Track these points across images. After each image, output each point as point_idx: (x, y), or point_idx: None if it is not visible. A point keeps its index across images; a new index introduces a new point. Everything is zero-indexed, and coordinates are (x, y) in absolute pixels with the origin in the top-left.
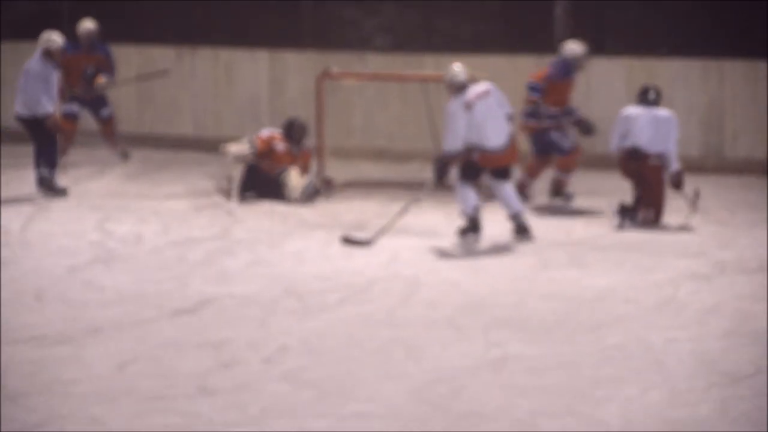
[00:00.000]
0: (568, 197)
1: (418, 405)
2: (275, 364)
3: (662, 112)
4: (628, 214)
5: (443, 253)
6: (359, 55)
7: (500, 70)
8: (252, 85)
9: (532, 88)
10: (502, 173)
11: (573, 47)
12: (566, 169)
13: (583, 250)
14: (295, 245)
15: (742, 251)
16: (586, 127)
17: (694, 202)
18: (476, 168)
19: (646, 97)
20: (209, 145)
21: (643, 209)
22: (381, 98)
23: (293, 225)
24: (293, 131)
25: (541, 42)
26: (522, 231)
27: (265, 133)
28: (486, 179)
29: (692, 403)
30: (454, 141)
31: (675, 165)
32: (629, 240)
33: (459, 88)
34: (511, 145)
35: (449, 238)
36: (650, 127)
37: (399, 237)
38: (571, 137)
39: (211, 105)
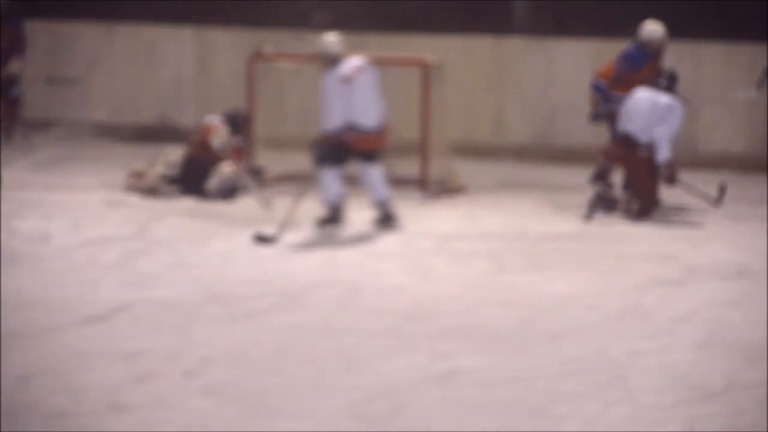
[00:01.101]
0: (608, 185)
1: (355, 423)
2: (196, 377)
3: (663, 98)
4: (602, 204)
5: (387, 255)
6: (295, 33)
7: (454, 51)
8: (175, 66)
9: (597, 88)
10: (372, 156)
11: (650, 29)
12: (609, 157)
13: (542, 252)
14: (221, 245)
15: (717, 255)
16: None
17: (719, 198)
18: (345, 150)
19: (657, 81)
20: (126, 133)
21: (627, 201)
22: (319, 82)
23: (219, 223)
24: (238, 122)
25: (499, 21)
26: (387, 220)
27: (211, 121)
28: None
29: (658, 421)
30: (333, 119)
31: (663, 154)
32: (593, 241)
33: (333, 60)
34: (384, 128)
35: (393, 237)
36: (648, 113)
37: (338, 236)
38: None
39: (129, 88)
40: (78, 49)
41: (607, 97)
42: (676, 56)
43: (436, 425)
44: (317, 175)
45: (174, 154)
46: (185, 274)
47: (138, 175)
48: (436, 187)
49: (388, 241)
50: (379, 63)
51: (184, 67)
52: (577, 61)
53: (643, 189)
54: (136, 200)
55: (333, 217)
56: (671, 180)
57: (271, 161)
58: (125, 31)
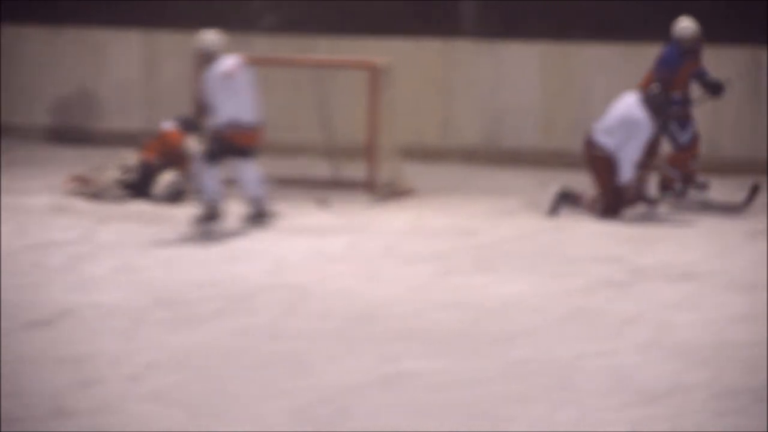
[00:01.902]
0: (678, 194)
1: (301, 426)
2: (142, 382)
3: (637, 112)
4: (566, 201)
5: (334, 258)
6: (243, 36)
7: (402, 54)
8: (123, 69)
9: (654, 100)
10: (249, 153)
11: (685, 26)
12: (675, 164)
13: (490, 255)
14: (167, 249)
15: (663, 256)
16: (715, 89)
17: (749, 198)
18: (225, 146)
19: (649, 96)
20: (73, 137)
21: (589, 200)
22: (267, 85)
23: (165, 227)
24: (192, 128)
25: (447, 24)
26: (260, 217)
27: (167, 127)
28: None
29: (604, 423)
30: (220, 115)
31: (625, 175)
32: (539, 243)
33: (212, 57)
34: (260, 126)
35: (341, 240)
36: (617, 120)
37: (285, 239)
38: (689, 132)
39: (76, 91)
40: (24, 53)
41: (667, 101)
42: (623, 57)
43: (383, 428)
44: (199, 172)
45: (131, 159)
46: (131, 278)
47: (78, 179)
48: (384, 190)
49: (335, 244)
50: (328, 66)
51: (132, 70)
52: (525, 63)
53: (604, 188)
54: (82, 204)
55: (211, 215)
56: (632, 202)
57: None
58: (72, 33)
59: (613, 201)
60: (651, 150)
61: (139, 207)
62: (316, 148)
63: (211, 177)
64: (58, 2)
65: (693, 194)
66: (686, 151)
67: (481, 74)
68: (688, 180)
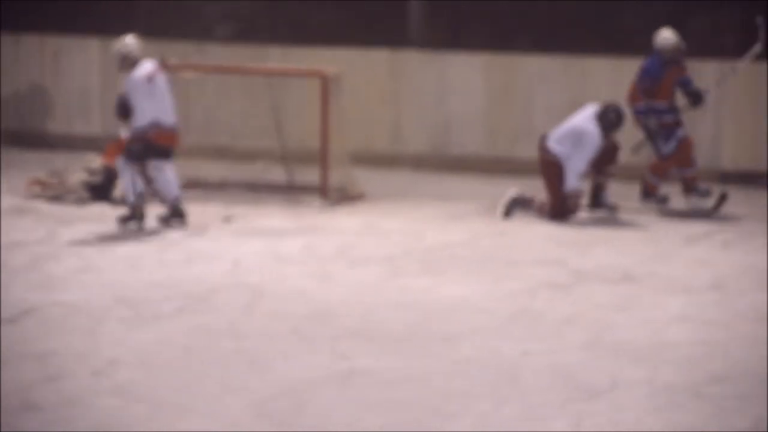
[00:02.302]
0: (661, 200)
1: (259, 420)
2: (105, 377)
3: (588, 124)
4: (519, 204)
5: (289, 260)
6: (199, 45)
7: (352, 63)
8: (82, 76)
9: (639, 112)
10: (169, 154)
11: (666, 36)
12: (656, 173)
13: (437, 258)
14: (128, 250)
15: (603, 260)
16: (696, 98)
17: (717, 205)
18: (147, 147)
19: (602, 111)
20: (33, 141)
21: (539, 204)
22: (222, 92)
23: (126, 228)
24: None
25: (396, 34)
26: (176, 217)
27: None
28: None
29: (546, 418)
30: (144, 117)
31: (569, 184)
32: (485, 247)
33: (134, 62)
34: (178, 128)
35: (295, 242)
36: (568, 127)
37: (242, 242)
38: (673, 142)
39: (36, 97)
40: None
41: (650, 111)
42: (565, 68)
43: (336, 422)
44: (121, 173)
45: (95, 162)
46: (93, 278)
47: (39, 183)
48: (335, 195)
49: (289, 246)
50: (281, 74)
51: (91, 77)
52: (469, 73)
53: (553, 193)
54: (44, 206)
55: (134, 215)
56: (573, 210)
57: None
58: (31, 41)
59: (560, 206)
60: (609, 159)
61: (100, 209)
62: (271, 152)
63: (132, 177)
64: (19, 10)
65: (694, 201)
66: (668, 160)
67: (428, 83)
68: (689, 188)
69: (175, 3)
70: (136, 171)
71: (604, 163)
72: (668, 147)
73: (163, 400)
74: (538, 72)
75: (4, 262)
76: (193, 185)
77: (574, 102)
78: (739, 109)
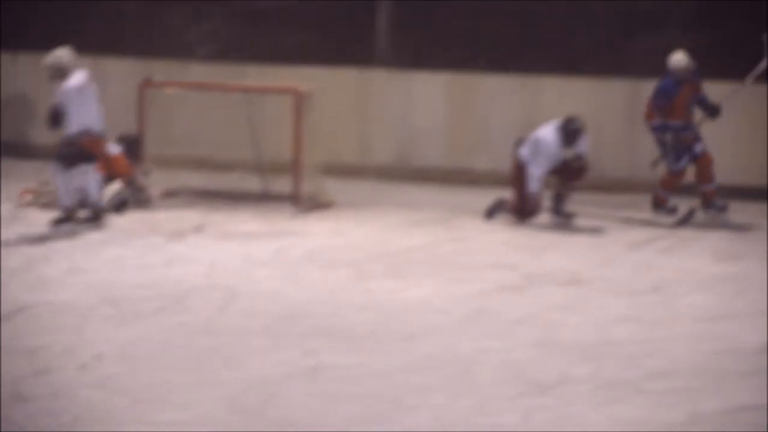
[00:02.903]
0: (670, 211)
1: (232, 412)
2: (90, 371)
3: (549, 134)
4: (498, 207)
5: (262, 263)
6: (182, 63)
7: (323, 81)
8: None
9: (654, 129)
10: (95, 159)
11: (678, 58)
12: (665, 187)
13: (399, 262)
14: (113, 253)
15: (553, 264)
16: (713, 111)
17: (686, 218)
18: (79, 153)
19: (564, 122)
20: (29, 152)
21: (510, 204)
22: (203, 107)
23: (112, 233)
24: (133, 146)
25: (364, 55)
26: (96, 218)
27: (115, 151)
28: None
29: (498, 411)
30: (76, 124)
31: (529, 187)
32: (443, 252)
33: (66, 72)
34: (103, 134)
35: (268, 247)
36: (533, 135)
37: (218, 245)
38: (683, 161)
39: (33, 112)
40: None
41: (665, 129)
42: (520, 86)
43: (303, 414)
44: (56, 178)
45: None
46: (80, 279)
47: (32, 192)
48: (307, 203)
49: (262, 250)
50: (257, 91)
51: None
52: (432, 90)
53: (516, 192)
54: (35, 213)
55: (67, 217)
56: (532, 211)
57: (159, 179)
58: (28, 59)
59: (521, 206)
60: (576, 175)
61: (84, 215)
62: (248, 164)
63: (65, 182)
64: (17, 31)
65: (712, 215)
66: (677, 176)
67: (393, 100)
68: (708, 202)
69: (160, 24)
70: (68, 175)
71: (570, 177)
72: (678, 165)
73: (143, 392)
74: (494, 90)
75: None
76: (174, 194)
77: (527, 118)
78: None
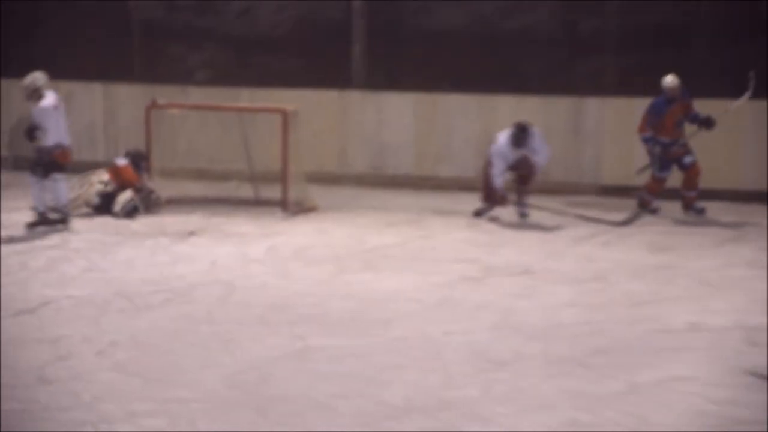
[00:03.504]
0: (652, 211)
1: (231, 390)
2: (107, 356)
3: (501, 139)
4: (483, 208)
5: (255, 260)
6: (183, 88)
7: (305, 102)
8: (88, 113)
9: (645, 140)
10: (65, 169)
11: (669, 80)
12: (650, 191)
13: (375, 258)
14: (126, 253)
15: (508, 258)
16: (708, 123)
17: (631, 219)
18: (53, 164)
19: (513, 128)
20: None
21: (481, 194)
22: (202, 126)
23: (125, 236)
24: (140, 159)
25: (342, 79)
26: (63, 221)
27: (122, 162)
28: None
29: (463, 385)
30: (51, 139)
31: (490, 180)
32: (413, 248)
33: (41, 92)
34: (70, 147)
35: (261, 246)
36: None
37: (217, 245)
38: (667, 170)
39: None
40: (11, 101)
41: (655, 142)
42: (478, 104)
43: (294, 390)
44: (32, 186)
45: (103, 176)
46: (97, 276)
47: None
48: (294, 207)
49: (256, 249)
50: (249, 111)
51: (95, 114)
52: (402, 109)
53: (484, 183)
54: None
55: (42, 221)
56: (495, 202)
57: (164, 188)
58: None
59: (487, 195)
60: (525, 179)
61: (103, 221)
62: (241, 174)
63: (40, 189)
64: (37, 60)
65: (692, 215)
66: (661, 182)
67: (368, 118)
68: (688, 206)
69: (164, 54)
70: (41, 184)
71: (520, 181)
72: (663, 173)
73: (153, 374)
74: (456, 108)
75: (26, 263)
76: (178, 201)
77: (484, 132)
78: (615, 136)
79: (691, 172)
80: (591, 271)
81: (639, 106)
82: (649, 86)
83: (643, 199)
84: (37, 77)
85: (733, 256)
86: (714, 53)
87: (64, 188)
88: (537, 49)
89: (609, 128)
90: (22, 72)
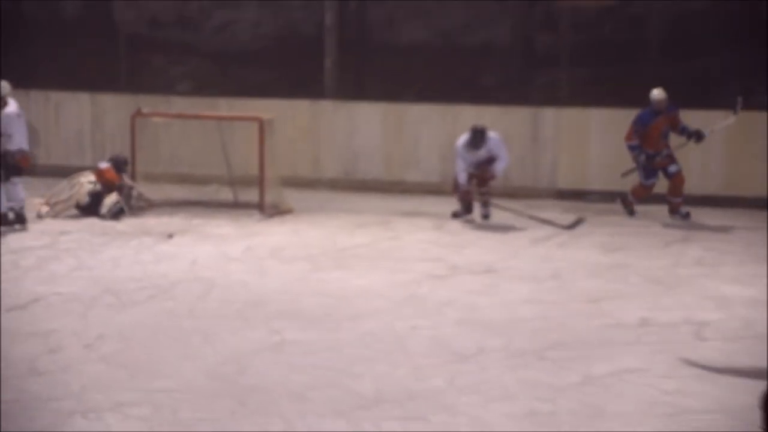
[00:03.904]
0: (631, 213)
1: (211, 381)
2: (94, 349)
3: (460, 141)
4: (459, 210)
5: (234, 259)
6: (166, 97)
7: (280, 111)
8: (76, 121)
9: (631, 148)
10: (23, 172)
11: (656, 93)
12: (635, 195)
13: (347, 257)
14: (112, 253)
15: (472, 257)
16: (698, 136)
17: (574, 224)
18: (15, 167)
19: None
20: (38, 171)
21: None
22: (184, 133)
23: (111, 236)
24: (120, 164)
25: (315, 89)
26: (20, 221)
27: (104, 165)
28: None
29: (429, 376)
30: (15, 144)
31: (456, 177)
32: (382, 248)
33: (4, 100)
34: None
35: (239, 246)
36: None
37: (198, 245)
38: (653, 178)
39: (42, 138)
40: None
41: (641, 151)
42: (442, 114)
43: (270, 381)
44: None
45: (90, 176)
46: (85, 274)
47: (47, 203)
48: (270, 210)
49: (235, 248)
50: (228, 119)
51: (83, 123)
52: (371, 118)
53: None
54: (47, 220)
55: (1, 222)
56: (463, 197)
57: (148, 192)
58: (38, 95)
59: (456, 191)
60: (482, 182)
61: (90, 222)
62: (221, 179)
63: (4, 192)
64: (28, 72)
65: (677, 219)
66: (646, 189)
67: (340, 126)
68: (674, 210)
69: (148, 66)
70: (5, 186)
71: (479, 183)
72: (648, 181)
73: (138, 365)
74: (421, 117)
75: (17, 262)
76: (160, 204)
77: (448, 139)
78: (570, 144)
79: (676, 180)
80: (549, 270)
81: (592, 116)
82: (601, 97)
83: (626, 200)
84: (3, 86)
85: (681, 255)
86: (661, 67)
87: (21, 191)
88: (496, 63)
89: (564, 136)
90: (16, 83)
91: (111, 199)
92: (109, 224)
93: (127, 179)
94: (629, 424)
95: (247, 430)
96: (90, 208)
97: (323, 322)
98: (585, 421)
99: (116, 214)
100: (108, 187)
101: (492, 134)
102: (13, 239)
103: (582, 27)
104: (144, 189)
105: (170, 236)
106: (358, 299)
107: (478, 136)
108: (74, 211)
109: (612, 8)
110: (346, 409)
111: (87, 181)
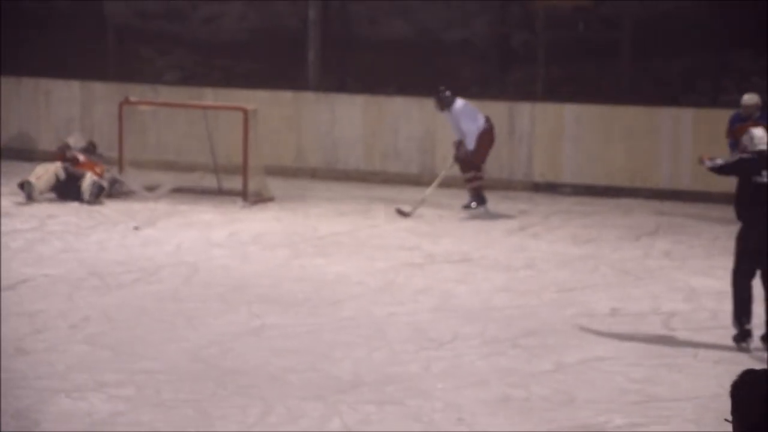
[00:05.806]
0: None
1: (194, 363)
2: (79, 330)
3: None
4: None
5: (217, 244)
6: (153, 87)
7: (264, 102)
8: (66, 109)
9: (730, 146)
10: None
11: (746, 98)
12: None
13: (327, 244)
14: (98, 236)
15: (448, 246)
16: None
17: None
18: None
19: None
20: (30, 155)
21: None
22: (170, 121)
23: (97, 220)
24: (89, 146)
25: (298, 81)
26: None
27: (81, 158)
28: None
29: (406, 361)
30: None
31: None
32: (362, 236)
33: None
34: None
35: (222, 232)
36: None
37: (183, 230)
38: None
39: (33, 124)
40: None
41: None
42: (420, 107)
43: (251, 364)
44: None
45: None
46: (71, 256)
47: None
48: (253, 197)
49: (218, 234)
50: (214, 109)
51: (73, 110)
52: (352, 109)
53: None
54: (35, 203)
55: None
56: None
57: (136, 178)
58: (29, 83)
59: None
60: (464, 168)
61: (76, 206)
62: (206, 166)
63: None
64: (20, 59)
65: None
66: None
67: (322, 117)
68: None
69: (136, 56)
70: None
71: (461, 169)
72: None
73: (122, 347)
74: (401, 110)
75: (5, 244)
76: (149, 189)
77: (427, 132)
78: (545, 139)
79: None
80: (523, 260)
81: (566, 111)
82: (575, 93)
83: None
84: None
85: (650, 248)
86: (634, 65)
87: None
88: (474, 59)
89: (539, 131)
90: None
91: (87, 182)
92: (96, 208)
93: (99, 163)
94: (600, 411)
95: (228, 412)
96: (67, 185)
97: (303, 307)
98: (557, 407)
99: (97, 193)
100: (81, 171)
101: (459, 103)
102: (2, 222)
103: (557, 26)
104: (129, 175)
105: (136, 228)
106: (337, 285)
107: (436, 98)
108: (53, 194)
109: (586, 8)
110: (325, 392)
111: (60, 166)
